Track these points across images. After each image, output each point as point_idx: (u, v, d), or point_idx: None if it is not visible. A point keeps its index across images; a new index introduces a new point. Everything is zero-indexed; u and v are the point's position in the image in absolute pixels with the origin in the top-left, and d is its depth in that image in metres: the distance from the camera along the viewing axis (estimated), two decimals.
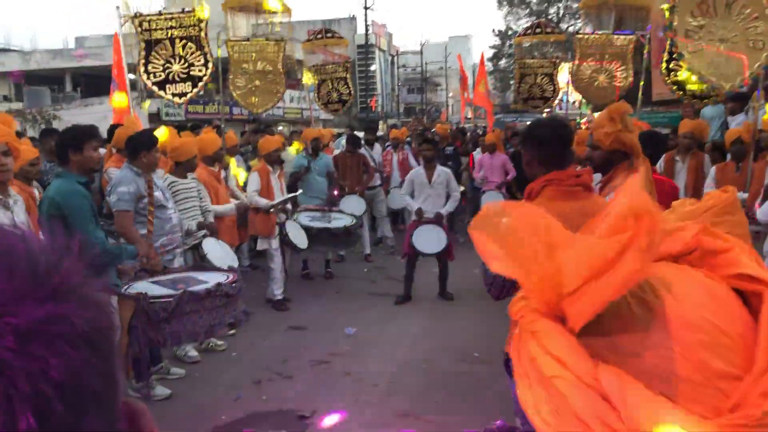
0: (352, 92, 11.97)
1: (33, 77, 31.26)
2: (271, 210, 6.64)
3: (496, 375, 4.41)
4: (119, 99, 7.32)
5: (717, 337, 0.58)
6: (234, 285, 3.83)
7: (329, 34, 11.85)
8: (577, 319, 0.58)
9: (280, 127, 22.22)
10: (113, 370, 0.55)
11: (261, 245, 6.94)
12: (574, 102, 17.61)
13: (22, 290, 0.50)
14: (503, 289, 2.51)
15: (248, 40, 8.56)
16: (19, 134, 7.01)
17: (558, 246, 0.59)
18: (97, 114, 17.81)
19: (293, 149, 9.18)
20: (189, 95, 7.56)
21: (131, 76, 8.67)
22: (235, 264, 5.49)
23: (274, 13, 8.44)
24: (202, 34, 7.42)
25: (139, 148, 4.66)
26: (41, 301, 0.50)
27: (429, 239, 6.70)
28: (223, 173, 7.07)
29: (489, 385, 4.59)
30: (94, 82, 29.57)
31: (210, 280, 3.92)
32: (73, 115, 19.76)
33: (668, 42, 7.53)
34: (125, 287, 3.90)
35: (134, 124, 6.12)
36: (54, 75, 31.72)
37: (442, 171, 7.15)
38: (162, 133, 5.72)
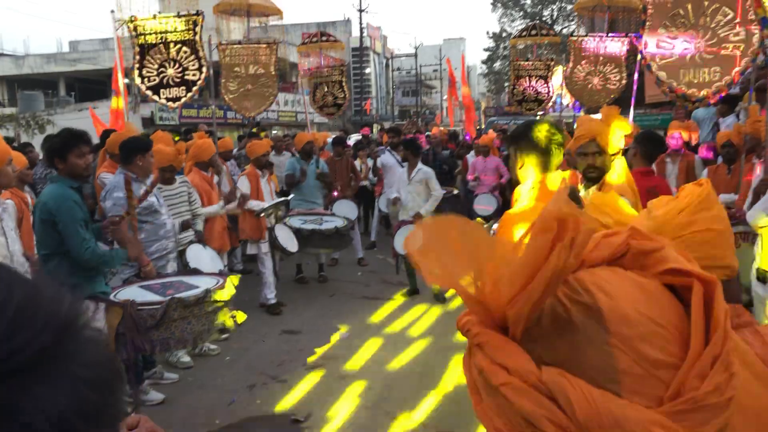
0: (347, 96, 11.98)
1: (26, 81, 31.19)
2: (262, 214, 6.63)
3: None
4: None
5: (652, 329, 0.60)
6: (222, 291, 3.83)
7: (324, 38, 11.86)
8: (516, 324, 0.60)
9: (275, 131, 22.23)
10: None
11: (251, 249, 6.94)
12: (567, 104, 17.66)
13: None
14: None
15: (240, 43, 8.56)
16: (10, 140, 7.02)
17: (489, 257, 0.60)
18: (91, 119, 17.74)
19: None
20: (183, 99, 7.56)
21: (126, 80, 8.67)
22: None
23: (266, 16, 8.44)
24: (197, 38, 7.41)
25: (134, 152, 4.64)
26: None
27: None
28: (215, 178, 7.07)
29: None
30: (89, 87, 29.54)
31: (201, 284, 3.91)
32: (67, 119, 19.71)
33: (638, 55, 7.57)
34: (114, 293, 3.90)
35: (128, 130, 6.13)
36: (48, 79, 31.66)
37: (421, 169, 7.25)
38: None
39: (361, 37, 41.86)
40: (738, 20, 4.98)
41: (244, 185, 6.82)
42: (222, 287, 3.83)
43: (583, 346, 0.59)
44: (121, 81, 8.20)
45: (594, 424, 0.54)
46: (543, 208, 0.60)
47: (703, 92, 5.38)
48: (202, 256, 5.34)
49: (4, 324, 0.40)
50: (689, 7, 5.26)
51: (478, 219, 8.14)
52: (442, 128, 17.09)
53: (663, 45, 5.44)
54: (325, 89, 11.75)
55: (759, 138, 5.02)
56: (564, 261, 0.57)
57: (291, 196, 7.62)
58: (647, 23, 5.56)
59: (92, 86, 28.98)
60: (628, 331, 0.60)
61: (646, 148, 4.28)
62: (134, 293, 3.88)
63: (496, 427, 0.59)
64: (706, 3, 5.15)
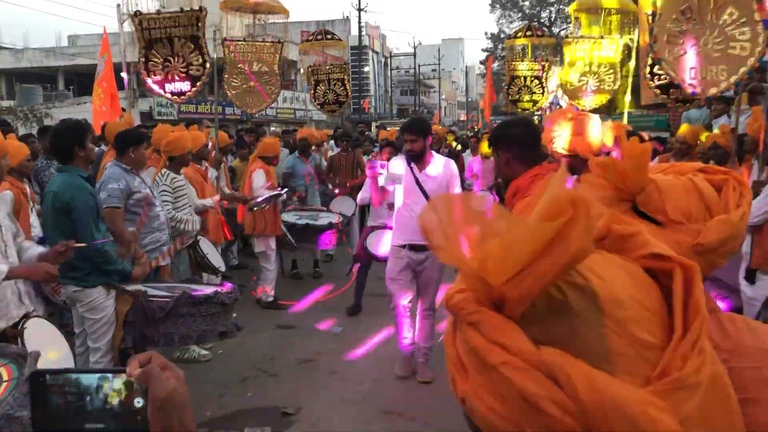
0: (349, 93, 11.99)
1: (25, 75, 31.11)
2: (255, 208, 6.62)
3: None
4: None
5: (640, 312, 0.62)
6: (230, 295, 3.93)
7: (328, 36, 11.89)
8: (517, 304, 0.60)
9: (273, 128, 22.25)
10: None
11: (259, 246, 6.91)
12: (560, 105, 17.68)
13: None
14: None
15: (245, 40, 8.59)
16: (11, 129, 7.05)
17: (494, 233, 0.60)
18: (90, 113, 17.71)
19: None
20: (187, 94, 7.57)
21: (124, 75, 8.67)
22: (223, 267, 5.59)
23: (272, 14, 8.46)
24: (200, 33, 7.43)
25: (127, 144, 4.68)
26: None
27: None
28: (214, 173, 7.11)
29: None
30: (87, 81, 29.42)
31: (206, 290, 4.01)
32: (65, 113, 19.65)
33: (650, 47, 7.59)
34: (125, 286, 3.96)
35: (128, 122, 6.19)
36: (46, 73, 31.57)
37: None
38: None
39: (360, 35, 41.83)
40: (744, 20, 4.94)
41: (261, 177, 6.91)
42: (230, 291, 3.94)
43: (580, 328, 0.60)
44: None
45: (596, 404, 0.55)
46: (549, 191, 0.60)
47: (711, 90, 5.33)
48: (213, 251, 5.55)
49: None
50: (697, 2, 5.20)
51: None
52: (440, 127, 17.12)
53: (672, 40, 5.37)
54: (327, 86, 11.79)
55: (758, 140, 4.97)
56: (587, 244, 0.58)
57: (285, 190, 7.63)
58: (658, 16, 5.48)
59: (90, 81, 28.86)
60: (621, 313, 0.61)
61: None
62: (143, 288, 3.97)
63: (489, 406, 0.60)
64: (712, 1, 5.10)
